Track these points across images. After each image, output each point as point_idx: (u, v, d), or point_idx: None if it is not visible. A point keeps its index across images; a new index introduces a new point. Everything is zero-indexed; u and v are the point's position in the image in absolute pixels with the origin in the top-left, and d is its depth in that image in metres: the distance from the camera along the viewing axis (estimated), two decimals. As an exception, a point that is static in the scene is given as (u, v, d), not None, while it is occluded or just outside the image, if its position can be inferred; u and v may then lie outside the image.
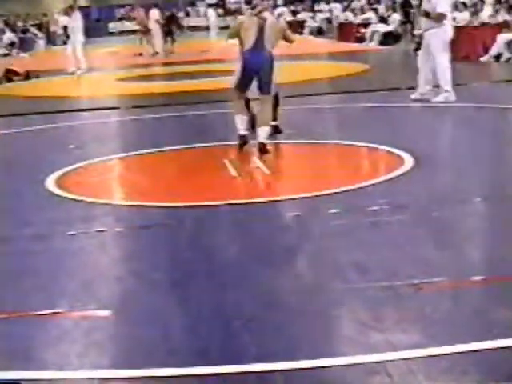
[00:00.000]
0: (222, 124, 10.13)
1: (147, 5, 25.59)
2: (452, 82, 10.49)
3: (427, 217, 5.31)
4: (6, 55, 25.79)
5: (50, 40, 35.19)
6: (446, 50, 10.59)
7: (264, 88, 7.74)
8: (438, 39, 10.47)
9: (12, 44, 28.52)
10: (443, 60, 10.50)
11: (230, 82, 8.03)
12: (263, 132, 7.58)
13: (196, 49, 25.90)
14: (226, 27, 42.41)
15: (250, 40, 7.77)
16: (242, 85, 7.85)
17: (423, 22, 10.70)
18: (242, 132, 7.75)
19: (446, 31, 10.65)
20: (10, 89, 16.47)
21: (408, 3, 23.20)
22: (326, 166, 7.40)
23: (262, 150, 7.45)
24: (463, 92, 11.76)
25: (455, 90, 10.61)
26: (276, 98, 8.44)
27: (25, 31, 33.78)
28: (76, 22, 18.50)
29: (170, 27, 25.52)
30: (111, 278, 4.49)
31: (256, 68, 7.72)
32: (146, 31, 24.60)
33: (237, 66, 7.92)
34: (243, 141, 7.69)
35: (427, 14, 10.49)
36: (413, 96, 10.62)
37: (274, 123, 8.39)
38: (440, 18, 10.53)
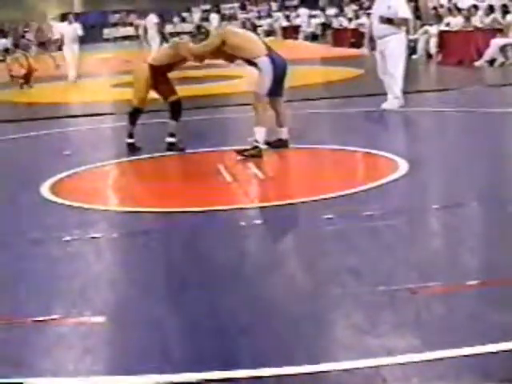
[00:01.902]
0: (217, 129, 10.14)
1: (144, 10, 25.52)
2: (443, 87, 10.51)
3: (422, 221, 5.32)
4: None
5: (45, 46, 35.20)
6: (403, 57, 10.61)
7: (282, 90, 7.96)
8: (396, 46, 10.46)
9: (6, 50, 28.49)
10: (399, 67, 10.51)
11: (258, 88, 7.75)
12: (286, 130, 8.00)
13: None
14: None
15: (259, 45, 7.82)
16: (275, 90, 7.77)
17: (380, 28, 10.59)
18: (263, 146, 7.62)
19: (403, 38, 10.70)
20: (4, 95, 16.46)
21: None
22: (321, 170, 7.40)
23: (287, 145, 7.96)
24: (458, 97, 11.80)
25: (451, 94, 10.62)
26: (179, 109, 8.37)
27: (19, 37, 33.76)
28: (76, 31, 18.49)
29: (163, 31, 25.43)
30: (106, 284, 4.48)
31: (285, 70, 7.85)
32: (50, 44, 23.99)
33: (263, 72, 7.69)
34: (261, 154, 7.57)
35: (389, 20, 10.45)
36: (383, 105, 10.56)
37: (171, 140, 8.27)
38: (402, 23, 10.57)
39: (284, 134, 8.01)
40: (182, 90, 9.09)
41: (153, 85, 8.30)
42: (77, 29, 18.66)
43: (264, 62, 7.69)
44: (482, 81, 14.04)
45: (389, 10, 10.42)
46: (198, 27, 8.37)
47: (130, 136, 8.37)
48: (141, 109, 8.41)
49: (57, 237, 5.30)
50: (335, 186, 6.27)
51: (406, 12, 10.64)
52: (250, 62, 7.91)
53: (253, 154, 7.51)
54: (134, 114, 8.42)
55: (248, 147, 7.58)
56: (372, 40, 10.95)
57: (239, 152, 7.55)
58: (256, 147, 7.56)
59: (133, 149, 8.31)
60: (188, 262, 4.66)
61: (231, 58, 8.24)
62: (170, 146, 8.26)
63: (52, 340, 3.64)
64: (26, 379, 3.21)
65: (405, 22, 10.71)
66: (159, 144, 8.32)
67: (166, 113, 8.52)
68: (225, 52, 7.97)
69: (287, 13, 36.52)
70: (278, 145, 7.99)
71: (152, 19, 24.39)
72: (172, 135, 8.30)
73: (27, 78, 17.71)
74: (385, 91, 10.74)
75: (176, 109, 8.36)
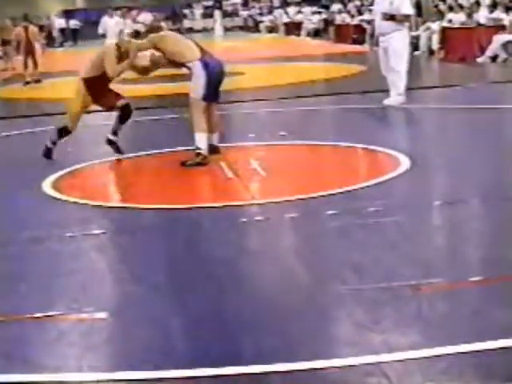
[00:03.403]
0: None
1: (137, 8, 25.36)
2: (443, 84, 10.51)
3: (424, 218, 5.31)
4: (1, 58, 25.72)
5: (48, 43, 35.21)
6: (406, 53, 10.61)
7: (218, 96, 7.65)
8: (399, 42, 10.47)
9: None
10: (403, 63, 10.51)
11: (192, 93, 7.45)
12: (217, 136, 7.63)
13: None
14: (228, 29, 42.54)
15: (191, 49, 7.50)
16: (211, 95, 7.48)
17: (383, 25, 10.59)
18: (206, 152, 7.32)
19: (406, 34, 10.71)
20: (8, 91, 16.48)
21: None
22: (323, 167, 7.40)
23: (218, 151, 7.57)
24: (460, 93, 11.79)
25: (453, 91, 10.60)
26: (129, 113, 7.92)
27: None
28: (118, 25, 18.13)
29: (177, 26, 25.10)
30: (108, 280, 4.49)
31: (221, 74, 7.57)
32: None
33: (195, 77, 7.38)
34: (207, 161, 7.29)
35: (392, 17, 10.45)
36: (386, 101, 10.55)
37: (112, 138, 7.87)
38: (405, 20, 10.58)
39: (214, 139, 7.62)
40: (186, 87, 9.06)
41: (92, 100, 7.85)
42: (119, 23, 18.32)
43: (196, 66, 7.40)
44: (484, 77, 14.03)
45: (391, 7, 10.43)
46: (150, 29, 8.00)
47: (54, 143, 8.00)
48: (70, 130, 7.98)
49: (59, 233, 5.30)
50: (337, 183, 6.26)
51: (408, 8, 10.66)
52: (183, 66, 7.59)
53: (198, 163, 7.22)
54: (62, 133, 8.00)
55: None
56: (373, 36, 10.98)
57: (183, 163, 7.24)
58: (199, 154, 7.26)
59: (49, 154, 7.95)
60: (190, 259, 4.66)
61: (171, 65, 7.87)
62: (109, 144, 7.89)
63: (54, 336, 3.63)
64: (28, 376, 3.21)
65: (407, 18, 10.74)
66: (161, 141, 8.32)
67: (170, 110, 8.48)
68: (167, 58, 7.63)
69: (289, 9, 36.48)
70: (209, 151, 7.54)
71: (146, 18, 24.17)
72: (115, 133, 7.93)
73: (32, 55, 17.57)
74: (387, 87, 10.73)
75: (126, 113, 7.88)
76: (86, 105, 7.94)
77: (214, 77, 7.45)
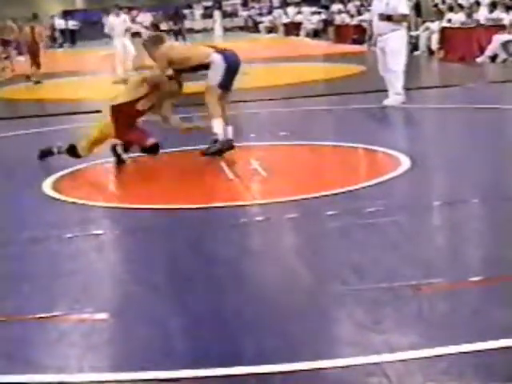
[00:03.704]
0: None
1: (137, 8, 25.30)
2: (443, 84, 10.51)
3: (425, 218, 5.31)
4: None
5: (48, 43, 35.23)
6: (403, 53, 10.63)
7: (231, 85, 7.71)
8: (397, 42, 10.48)
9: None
10: (400, 63, 10.52)
11: (209, 80, 7.50)
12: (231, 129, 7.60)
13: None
14: (228, 29, 42.54)
15: (202, 48, 7.71)
16: (227, 84, 7.58)
17: (380, 25, 10.61)
18: (222, 137, 7.40)
19: (404, 34, 10.73)
20: (9, 91, 16.48)
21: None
22: (323, 167, 7.40)
23: (232, 146, 7.54)
24: (459, 93, 11.79)
25: (453, 90, 10.60)
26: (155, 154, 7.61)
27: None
28: (125, 23, 17.89)
29: (179, 27, 24.82)
30: (109, 281, 4.49)
31: (238, 63, 7.64)
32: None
33: (214, 66, 7.43)
34: (231, 145, 7.44)
35: (389, 17, 10.46)
36: (385, 102, 10.57)
37: (119, 151, 7.60)
38: (402, 20, 10.61)
39: (229, 133, 7.60)
40: (188, 87, 9.07)
41: (115, 132, 7.49)
42: (126, 21, 18.11)
43: (214, 57, 7.50)
44: (483, 77, 14.03)
45: (387, 7, 10.45)
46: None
47: (50, 152, 7.86)
48: (80, 155, 7.61)
49: (59, 234, 5.30)
50: (338, 183, 6.26)
51: (404, 8, 10.67)
52: (203, 67, 7.61)
53: (219, 149, 7.34)
54: (71, 152, 7.64)
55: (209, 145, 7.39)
56: (371, 37, 11.00)
57: (203, 152, 7.32)
58: (217, 140, 7.39)
59: (45, 154, 7.86)
60: (190, 259, 4.66)
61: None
62: (115, 153, 7.61)
63: (55, 337, 3.64)
64: (30, 376, 3.22)
65: (404, 18, 10.74)
66: (167, 141, 8.30)
67: (178, 108, 8.44)
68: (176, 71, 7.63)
69: (288, 9, 36.49)
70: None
71: (145, 18, 23.95)
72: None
73: (35, 55, 17.56)
74: (386, 88, 10.73)
75: (151, 151, 7.59)
76: (106, 136, 7.57)
77: (232, 65, 7.56)
